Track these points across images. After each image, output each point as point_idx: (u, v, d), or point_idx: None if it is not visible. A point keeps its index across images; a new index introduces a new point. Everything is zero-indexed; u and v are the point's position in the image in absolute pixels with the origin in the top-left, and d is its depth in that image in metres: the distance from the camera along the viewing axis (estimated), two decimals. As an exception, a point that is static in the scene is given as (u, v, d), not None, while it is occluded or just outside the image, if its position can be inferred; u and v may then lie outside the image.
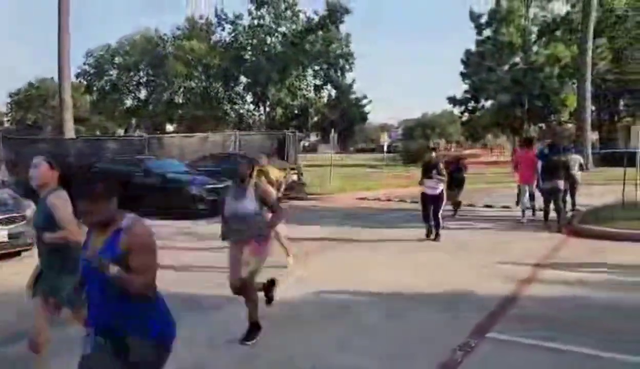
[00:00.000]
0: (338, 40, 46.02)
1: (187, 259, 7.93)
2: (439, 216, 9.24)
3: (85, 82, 52.07)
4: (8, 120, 61.63)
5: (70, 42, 19.72)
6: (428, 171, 9.20)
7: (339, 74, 47.64)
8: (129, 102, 53.60)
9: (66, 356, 3.45)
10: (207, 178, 13.35)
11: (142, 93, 53.74)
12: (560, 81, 39.36)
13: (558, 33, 39.15)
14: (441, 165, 9.34)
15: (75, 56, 55.61)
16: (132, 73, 52.01)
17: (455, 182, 11.77)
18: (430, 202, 9.22)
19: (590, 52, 27.53)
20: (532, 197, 11.65)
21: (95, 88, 52.05)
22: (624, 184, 11.73)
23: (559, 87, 39.45)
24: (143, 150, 16.93)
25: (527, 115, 40.63)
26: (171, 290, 6.08)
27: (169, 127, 52.72)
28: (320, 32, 46.23)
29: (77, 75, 50.49)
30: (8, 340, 4.63)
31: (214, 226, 10.91)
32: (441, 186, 9.24)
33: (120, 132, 54.84)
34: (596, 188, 17.67)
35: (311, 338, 4.74)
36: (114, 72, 52.16)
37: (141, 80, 53.10)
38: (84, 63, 51.00)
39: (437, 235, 9.20)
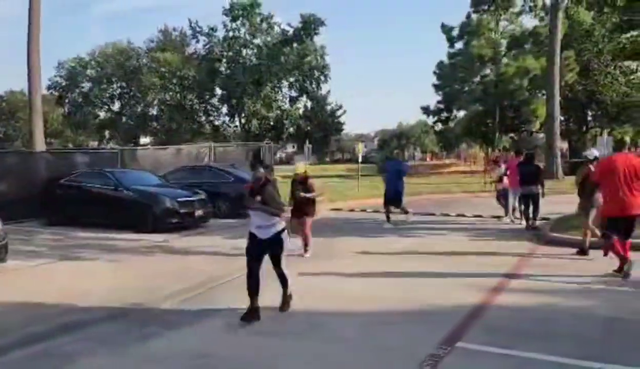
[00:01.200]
0: (313, 52, 46.27)
1: (158, 274, 7.81)
2: None
3: (56, 94, 51.19)
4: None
5: (41, 54, 19.37)
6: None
7: (314, 86, 47.85)
8: (102, 115, 52.87)
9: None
10: (180, 190, 13.23)
11: (116, 106, 53.10)
12: (530, 92, 40.27)
13: (527, 46, 40.08)
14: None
15: (47, 68, 54.59)
16: (105, 86, 51.34)
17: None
18: None
19: (558, 64, 28.26)
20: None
21: (67, 101, 51.22)
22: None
23: (528, 98, 40.34)
24: (115, 162, 16.69)
25: (499, 125, 41.40)
26: (143, 305, 6.04)
27: (144, 140, 52.10)
28: (295, 44, 46.43)
29: (49, 87, 49.67)
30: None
31: (188, 240, 10.88)
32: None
33: (94, 144, 53.98)
34: (566, 197, 18.05)
35: (283, 351, 4.71)
36: (86, 84, 51.43)
37: (114, 92, 52.46)
38: (55, 75, 50.21)
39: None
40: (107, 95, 52.21)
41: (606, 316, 5.52)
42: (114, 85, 51.99)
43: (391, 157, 26.59)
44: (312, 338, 5.05)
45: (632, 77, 40.36)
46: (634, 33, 12.74)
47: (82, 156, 18.00)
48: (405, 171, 13.27)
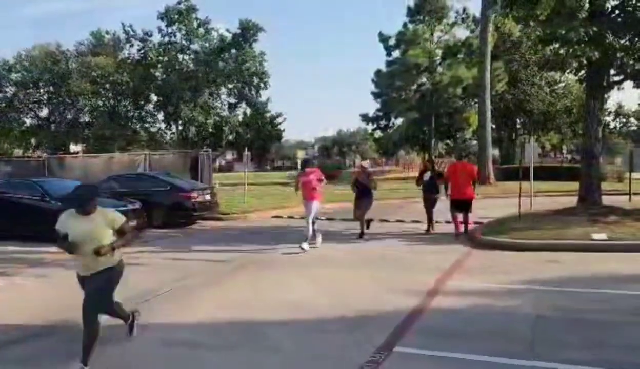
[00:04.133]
0: (252, 58, 45.98)
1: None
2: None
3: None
4: None
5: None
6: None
7: (253, 93, 47.53)
8: (28, 121, 50.09)
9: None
10: (113, 200, 12.70)
11: (44, 112, 50.47)
12: (463, 101, 41.87)
13: (460, 56, 41.67)
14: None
15: None
16: (31, 90, 48.70)
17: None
18: None
19: (488, 74, 29.51)
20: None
21: (-11, 106, 48.18)
22: (519, 197, 12.58)
23: (462, 106, 41.92)
24: (42, 171, 15.86)
25: (435, 132, 42.76)
26: (70, 322, 5.71)
27: (74, 147, 49.80)
28: (233, 50, 46.00)
29: (-32, 92, 46.59)
30: None
31: (120, 251, 10.43)
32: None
33: (18, 152, 51.01)
34: (497, 201, 18.83)
35: (216, 364, 4.59)
36: (10, 89, 48.59)
37: (42, 98, 49.87)
38: (-24, 79, 47.14)
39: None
40: (34, 100, 49.56)
41: (532, 314, 5.76)
42: (41, 90, 49.42)
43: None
44: (246, 348, 4.95)
45: (555, 87, 42.91)
46: (556, 45, 13.44)
47: (5, 165, 17.00)
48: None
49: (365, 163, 13.58)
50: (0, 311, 6.33)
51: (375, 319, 5.73)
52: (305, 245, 9.87)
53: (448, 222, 12.43)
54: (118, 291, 7.02)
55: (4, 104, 48.11)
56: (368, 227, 11.77)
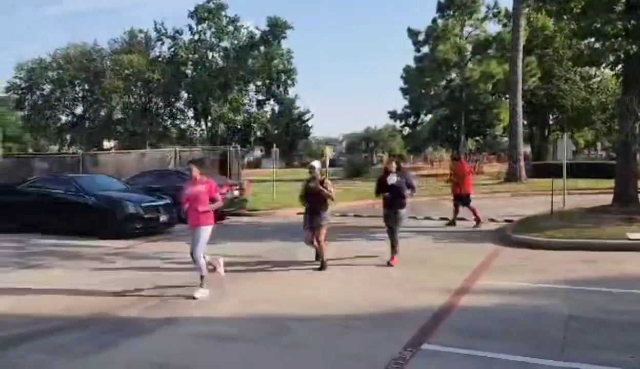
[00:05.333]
0: (280, 55, 46.21)
1: (121, 281, 7.62)
2: None
3: (16, 96, 49.57)
4: None
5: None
6: None
7: (281, 89, 47.79)
8: (63, 118, 51.50)
9: None
10: (144, 195, 12.97)
11: (79, 109, 51.80)
12: (494, 97, 41.19)
13: (491, 51, 40.99)
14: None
15: (7, 70, 52.80)
16: (67, 88, 50.02)
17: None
18: None
19: (520, 70, 28.95)
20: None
21: (27, 104, 49.70)
22: (552, 195, 12.33)
23: (492, 102, 41.25)
24: (77, 167, 16.29)
25: (464, 128, 42.20)
26: (103, 314, 5.88)
27: (107, 144, 50.99)
28: (262, 48, 46.30)
29: (7, 89, 48.12)
30: None
31: (151, 246, 10.67)
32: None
33: (55, 149, 52.48)
34: (528, 199, 18.51)
35: (241, 359, 4.65)
36: (47, 87, 50.00)
37: (77, 95, 51.16)
38: (15, 76, 48.67)
39: None
40: (70, 98, 50.90)
41: (565, 314, 5.65)
42: (77, 88, 50.72)
43: None
44: (273, 344, 4.99)
45: (590, 82, 41.79)
46: (592, 39, 13.12)
47: (42, 161, 17.52)
48: None
49: (316, 164, 8.40)
50: (35, 302, 6.53)
51: (402, 317, 5.71)
52: (198, 293, 6.50)
53: (461, 219, 12.27)
54: (144, 286, 7.19)
55: (41, 102, 49.57)
56: (321, 260, 8.11)
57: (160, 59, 47.88)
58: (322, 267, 8.00)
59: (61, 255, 9.77)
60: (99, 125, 49.51)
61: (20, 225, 12.54)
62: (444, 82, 43.06)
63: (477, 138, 47.12)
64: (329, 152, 25.86)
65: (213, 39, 46.76)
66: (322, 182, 8.13)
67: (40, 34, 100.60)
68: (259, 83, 47.62)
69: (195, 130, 49.33)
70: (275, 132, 49.25)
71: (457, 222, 12.77)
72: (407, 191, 8.31)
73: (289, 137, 50.70)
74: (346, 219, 14.47)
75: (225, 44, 47.11)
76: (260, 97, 48.97)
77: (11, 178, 14.38)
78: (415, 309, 5.92)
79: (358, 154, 50.37)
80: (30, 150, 51.16)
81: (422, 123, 46.84)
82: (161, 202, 12.77)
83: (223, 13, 46.32)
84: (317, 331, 5.32)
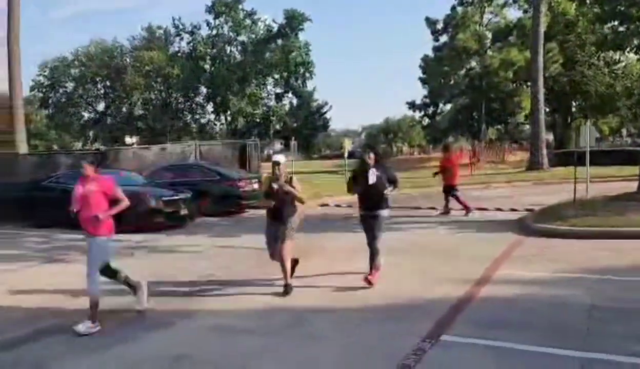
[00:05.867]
0: (298, 48, 46.14)
1: (141, 274, 7.72)
2: None
3: (41, 95, 50.48)
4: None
5: (21, 55, 19.11)
6: None
7: (299, 82, 47.75)
8: (86, 115, 52.30)
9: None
10: (165, 190, 13.12)
11: (101, 106, 52.54)
12: (515, 84, 40.54)
13: (511, 38, 40.31)
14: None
15: (31, 68, 53.81)
16: (89, 86, 50.76)
17: None
18: None
19: (541, 56, 28.42)
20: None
21: (50, 101, 50.59)
22: (574, 183, 12.11)
23: (513, 90, 40.61)
24: (100, 163, 16.50)
25: (485, 117, 41.66)
26: (122, 306, 5.96)
27: (129, 139, 51.65)
28: (279, 41, 46.28)
29: (32, 88, 49.00)
30: None
31: (172, 239, 10.79)
32: None
33: (78, 145, 53.38)
34: (550, 187, 18.22)
35: (259, 350, 4.68)
36: (70, 84, 50.80)
37: (99, 92, 51.90)
38: (38, 75, 49.53)
39: None
40: (92, 95, 51.65)
41: (588, 304, 5.55)
42: (99, 85, 51.43)
43: None
44: (291, 335, 5.01)
45: (615, 67, 40.80)
46: (616, 23, 12.79)
47: (66, 157, 17.80)
48: None
49: (281, 159, 6.72)
50: (57, 295, 6.66)
51: (420, 308, 5.67)
52: (81, 326, 5.16)
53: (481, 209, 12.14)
54: (165, 279, 7.27)
55: (64, 99, 50.36)
56: (293, 271, 6.75)
57: (179, 55, 48.22)
58: (286, 291, 6.33)
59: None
60: (120, 121, 50.18)
61: (45, 220, 12.78)
62: (463, 71, 42.54)
63: (498, 126, 46.48)
64: (347, 144, 25.80)
65: (231, 33, 46.90)
66: (289, 181, 6.59)
67: (60, 33, 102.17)
68: (277, 76, 47.66)
69: (215, 124, 49.68)
70: (295, 125, 49.24)
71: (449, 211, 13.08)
72: (389, 188, 6.76)
73: (307, 129, 50.67)
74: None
75: (242, 37, 47.22)
76: (279, 90, 49.04)
77: (37, 175, 14.65)
78: (434, 300, 5.88)
79: (377, 146, 50.12)
80: (55, 147, 52.07)
81: (441, 113, 46.39)
82: (181, 196, 12.90)
83: (240, 7, 46.40)
84: (334, 322, 5.32)
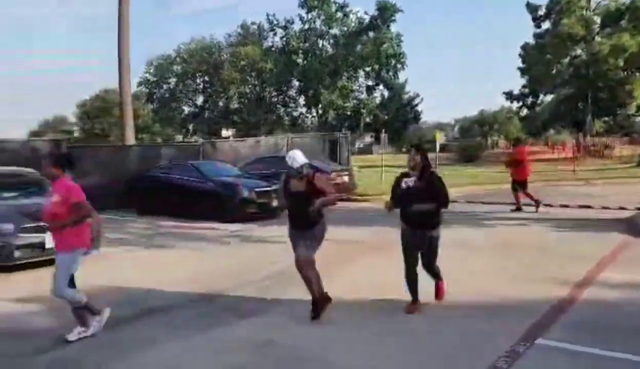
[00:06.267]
0: (389, 39, 45.59)
1: (236, 262, 8.06)
2: None
3: (147, 90, 54.20)
4: (77, 130, 65.03)
5: (130, 54, 20.58)
6: None
7: (390, 74, 47.21)
8: (186, 109, 55.37)
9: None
10: (258, 181, 13.54)
11: (199, 100, 55.37)
12: (625, 72, 37.32)
13: (623, 22, 37.10)
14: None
15: (139, 65, 57.78)
16: (189, 81, 53.69)
17: None
18: None
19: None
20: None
21: (155, 97, 54.10)
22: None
23: (624, 78, 37.41)
24: (198, 155, 17.39)
25: (592, 108, 38.75)
26: (219, 293, 6.26)
27: (225, 132, 54.03)
28: (371, 33, 46.01)
29: (139, 84, 52.65)
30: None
31: (264, 230, 11.13)
32: None
33: (179, 138, 56.66)
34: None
35: (350, 340, 4.70)
36: (172, 81, 54.03)
37: (197, 87, 54.72)
38: (145, 72, 53.14)
39: None
40: (191, 90, 54.57)
41: None
42: (198, 80, 54.22)
43: None
44: (379, 330, 4.98)
45: None
46: None
47: (167, 149, 18.94)
48: None
49: (297, 156, 5.41)
50: (158, 279, 7.09)
51: (518, 308, 5.41)
52: (73, 335, 4.82)
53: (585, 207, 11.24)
54: (258, 268, 7.51)
55: (167, 95, 53.66)
56: (314, 303, 5.38)
57: (272, 49, 49.50)
58: (316, 313, 5.29)
59: (183, 236, 10.52)
60: (217, 115, 52.57)
61: (149, 208, 13.69)
62: (567, 59, 39.79)
63: (606, 118, 43.07)
64: (439, 137, 25.15)
65: (323, 27, 47.33)
66: (311, 180, 5.35)
67: (165, 32, 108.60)
68: (368, 68, 47.45)
69: (307, 117, 50.56)
70: (385, 117, 48.81)
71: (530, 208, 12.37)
72: (426, 206, 5.21)
73: (398, 122, 50.03)
74: (456, 205, 14.00)
75: (334, 31, 47.48)
76: (370, 83, 48.83)
77: (141, 165, 15.72)
78: (533, 301, 5.58)
79: (471, 139, 48.33)
80: (158, 140, 55.64)
81: (541, 104, 43.79)
82: (273, 187, 13.26)
83: (332, 0, 46.68)
84: (427, 318, 5.22)
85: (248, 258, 8.31)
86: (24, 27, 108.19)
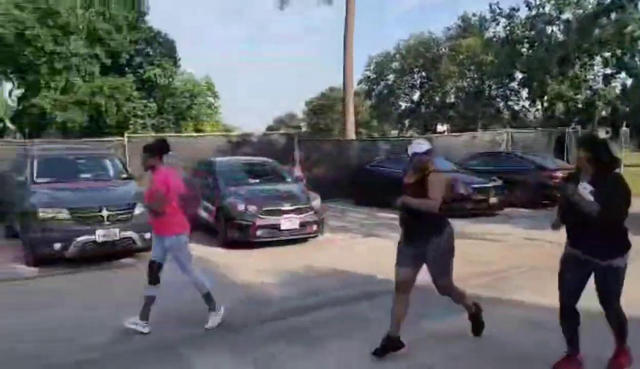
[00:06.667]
0: (636, 20, 39.60)
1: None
2: None
3: (366, 87, 56.93)
4: (304, 125, 71.79)
5: (354, 54, 21.83)
6: None
7: (636, 60, 41.01)
8: (403, 105, 56.48)
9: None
10: (474, 177, 13.23)
11: (415, 96, 55.95)
12: None
13: None
14: None
15: (361, 64, 60.75)
16: (406, 77, 54.65)
17: None
18: None
19: None
20: None
21: (374, 93, 56.42)
22: None
23: None
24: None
25: None
26: (429, 285, 6.34)
27: (440, 127, 53.59)
28: (613, 14, 40.57)
29: (360, 82, 55.43)
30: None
31: (479, 227, 10.83)
32: None
33: (395, 133, 58.13)
34: None
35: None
36: (390, 77, 55.67)
37: (414, 83, 55.34)
38: (366, 69, 55.75)
39: None
40: (409, 85, 55.43)
41: None
42: (415, 76, 54.84)
43: None
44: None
45: None
46: None
47: (384, 143, 19.68)
48: None
49: (421, 145, 4.52)
50: (378, 265, 7.38)
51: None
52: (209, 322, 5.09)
53: None
54: (471, 265, 7.37)
55: (385, 91, 55.60)
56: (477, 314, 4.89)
57: (494, 40, 47.30)
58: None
59: (393, 227, 10.83)
60: (433, 110, 52.45)
61: (366, 199, 14.47)
62: None
63: None
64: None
65: (553, 12, 43.38)
66: (425, 176, 4.39)
67: (385, 32, 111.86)
68: (606, 54, 41.96)
69: (529, 111, 47.11)
70: (627, 109, 42.68)
71: None
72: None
73: (643, 115, 43.20)
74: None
75: (567, 15, 43.11)
76: (608, 71, 43.09)
77: (361, 159, 16.69)
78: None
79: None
80: (375, 135, 57.95)
81: None
82: (491, 184, 12.85)
83: (565, -19, 42.41)
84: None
85: (459, 254, 8.20)
86: (270, 35, 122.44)
